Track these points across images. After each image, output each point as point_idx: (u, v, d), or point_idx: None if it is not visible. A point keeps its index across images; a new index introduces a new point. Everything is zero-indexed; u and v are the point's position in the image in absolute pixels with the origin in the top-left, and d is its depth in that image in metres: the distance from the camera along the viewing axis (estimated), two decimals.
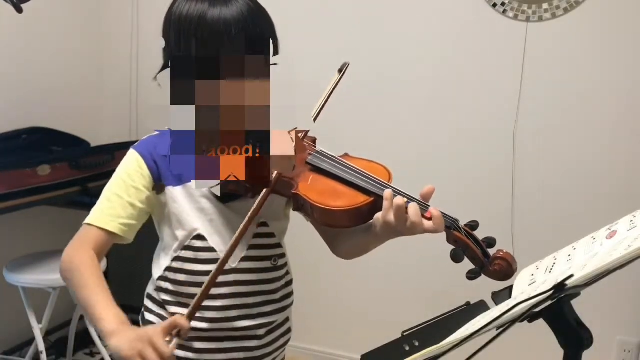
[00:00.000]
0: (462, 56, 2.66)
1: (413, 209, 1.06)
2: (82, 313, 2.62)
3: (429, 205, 1.09)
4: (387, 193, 1.08)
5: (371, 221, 1.13)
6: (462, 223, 1.11)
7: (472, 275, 1.08)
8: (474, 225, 1.11)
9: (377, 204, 1.12)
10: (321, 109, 1.21)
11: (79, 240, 1.16)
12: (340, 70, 1.22)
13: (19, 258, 2.51)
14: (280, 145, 1.17)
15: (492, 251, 1.09)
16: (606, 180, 2.52)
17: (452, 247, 1.09)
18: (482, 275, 1.09)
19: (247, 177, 1.14)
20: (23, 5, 1.82)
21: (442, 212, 1.09)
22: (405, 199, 1.08)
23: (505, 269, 1.06)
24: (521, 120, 2.59)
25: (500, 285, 0.99)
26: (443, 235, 1.12)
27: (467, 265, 1.10)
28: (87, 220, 1.17)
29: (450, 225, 1.09)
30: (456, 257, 1.08)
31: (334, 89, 1.22)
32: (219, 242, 1.19)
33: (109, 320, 1.04)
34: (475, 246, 1.08)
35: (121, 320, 1.05)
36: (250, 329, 1.23)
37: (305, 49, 2.75)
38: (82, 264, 1.11)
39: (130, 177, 1.17)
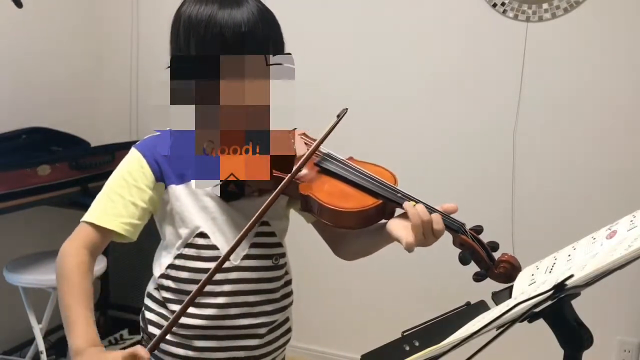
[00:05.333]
0: (462, 56, 2.66)
1: (437, 219, 1.10)
2: None
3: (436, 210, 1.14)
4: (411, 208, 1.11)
5: (379, 224, 1.16)
6: (467, 227, 1.15)
7: (478, 277, 1.13)
8: (479, 230, 1.15)
9: (385, 207, 1.15)
10: (313, 152, 1.14)
11: (77, 239, 1.14)
12: (338, 116, 1.18)
13: (19, 258, 2.51)
14: (280, 145, 1.18)
15: (495, 255, 1.13)
16: (606, 180, 2.52)
17: (459, 250, 1.13)
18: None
19: (250, 176, 1.15)
20: (23, 1, 1.81)
21: (449, 217, 1.14)
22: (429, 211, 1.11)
23: (509, 271, 1.11)
24: (521, 120, 2.59)
25: (500, 285, 0.99)
26: (444, 236, 1.13)
27: (470, 268, 1.13)
28: (87, 218, 1.16)
29: (457, 229, 1.13)
30: (463, 260, 1.12)
31: (329, 133, 1.15)
32: (221, 240, 1.19)
33: (80, 338, 1.04)
34: (481, 249, 1.12)
35: (92, 341, 1.04)
36: (251, 327, 1.23)
37: (305, 49, 2.74)
38: (72, 272, 1.10)
39: (132, 176, 1.17)
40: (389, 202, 1.14)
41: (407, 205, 1.12)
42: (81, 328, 1.05)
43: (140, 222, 1.18)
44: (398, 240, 1.11)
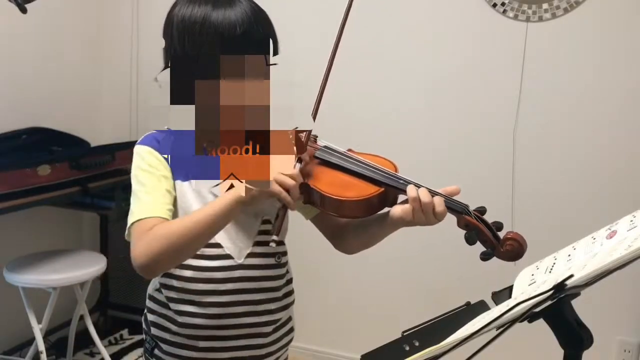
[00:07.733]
0: (462, 56, 2.66)
1: (438, 201, 1.13)
2: (82, 313, 2.62)
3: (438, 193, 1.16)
4: (413, 190, 1.13)
5: (380, 212, 1.18)
6: (471, 208, 1.17)
7: (485, 257, 1.15)
8: (482, 210, 1.18)
9: (387, 194, 1.16)
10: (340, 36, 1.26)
11: (138, 237, 1.10)
12: None
13: (19, 258, 2.51)
14: (280, 145, 1.18)
15: (500, 234, 1.15)
16: (606, 180, 2.52)
17: (464, 231, 1.15)
18: (495, 257, 1.15)
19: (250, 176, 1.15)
20: (27, 6, 1.80)
21: (453, 199, 1.17)
22: (429, 192, 1.14)
23: (516, 248, 1.13)
24: (521, 120, 2.60)
25: (500, 285, 0.99)
26: (445, 236, 1.14)
27: (471, 266, 1.12)
28: (135, 217, 1.12)
29: (461, 210, 1.15)
30: (469, 240, 1.15)
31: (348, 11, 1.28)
32: (225, 238, 1.19)
33: (225, 198, 1.09)
34: (486, 229, 1.15)
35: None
36: (256, 326, 1.23)
37: (304, 49, 2.74)
38: (163, 227, 1.09)
39: (153, 167, 1.17)
40: (390, 189, 1.16)
41: (410, 188, 1.13)
42: (216, 201, 1.10)
43: (174, 209, 1.17)
44: (397, 217, 1.14)
